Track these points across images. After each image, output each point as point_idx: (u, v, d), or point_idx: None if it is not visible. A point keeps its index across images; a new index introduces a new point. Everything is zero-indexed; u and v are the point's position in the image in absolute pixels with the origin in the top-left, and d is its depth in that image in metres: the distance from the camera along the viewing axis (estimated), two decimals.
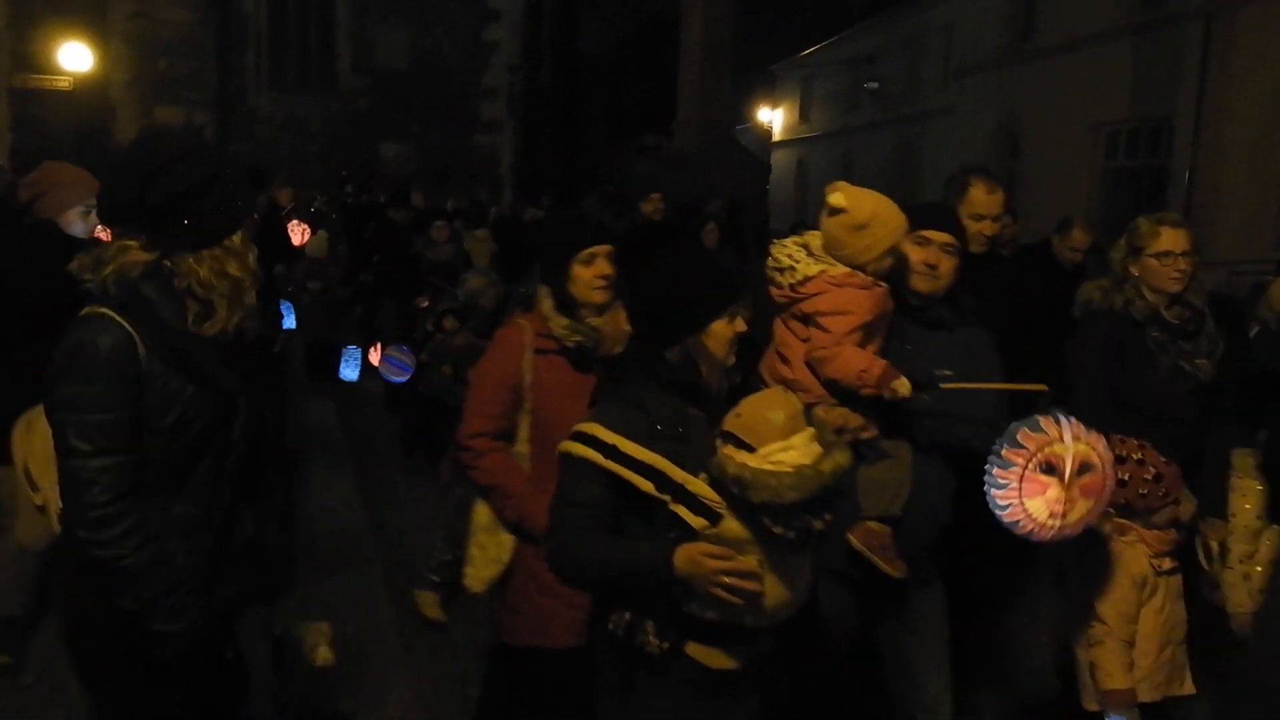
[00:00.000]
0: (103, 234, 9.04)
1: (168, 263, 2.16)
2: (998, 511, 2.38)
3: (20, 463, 2.56)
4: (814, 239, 2.84)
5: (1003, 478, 2.36)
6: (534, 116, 24.21)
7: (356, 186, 17.73)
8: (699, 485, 2.09)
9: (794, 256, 2.80)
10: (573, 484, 2.19)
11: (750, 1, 23.64)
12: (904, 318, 2.89)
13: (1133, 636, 2.83)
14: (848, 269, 2.75)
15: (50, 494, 2.41)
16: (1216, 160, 15.31)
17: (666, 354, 2.24)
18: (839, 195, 2.77)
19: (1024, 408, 2.55)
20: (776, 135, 36.42)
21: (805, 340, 2.80)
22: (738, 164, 18.40)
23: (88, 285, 2.15)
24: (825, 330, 2.74)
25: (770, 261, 2.86)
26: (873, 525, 2.77)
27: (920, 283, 2.89)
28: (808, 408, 2.40)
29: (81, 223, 3.87)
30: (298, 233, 9.81)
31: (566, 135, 25.57)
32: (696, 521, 2.06)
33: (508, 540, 2.95)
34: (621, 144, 23.05)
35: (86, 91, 21.28)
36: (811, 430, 2.09)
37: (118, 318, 2.09)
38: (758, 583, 2.03)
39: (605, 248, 2.91)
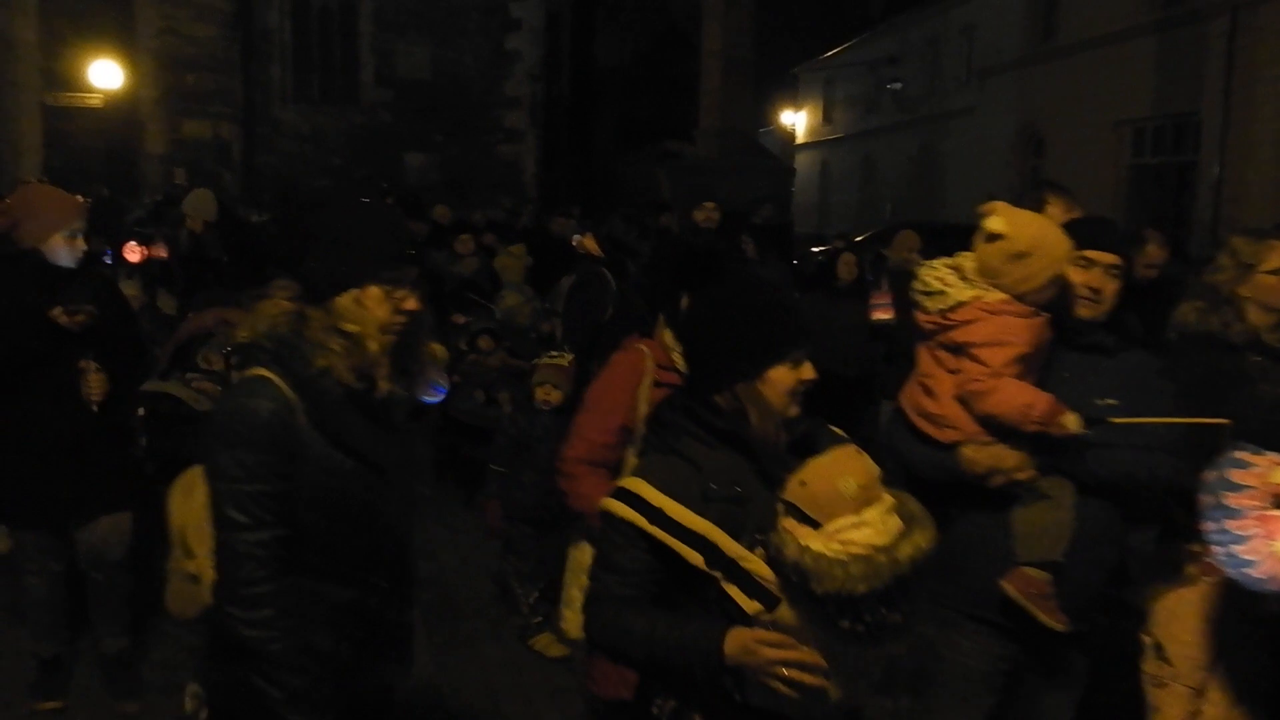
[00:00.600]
0: (131, 254, 8.96)
1: (312, 312, 1.99)
2: (1239, 569, 1.93)
3: (177, 527, 2.40)
4: (966, 261, 2.61)
5: (1240, 528, 1.94)
6: (554, 126, 24.32)
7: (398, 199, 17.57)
8: (755, 563, 1.84)
9: (944, 280, 2.58)
10: (614, 548, 1.95)
11: (770, 5, 23.66)
12: (1058, 342, 2.61)
13: (1203, 685, 2.43)
14: (1004, 295, 2.51)
15: (204, 563, 2.23)
16: (1244, 156, 15.15)
17: (716, 399, 1.98)
18: (997, 219, 2.52)
19: (1200, 444, 2.22)
20: (799, 138, 36.39)
21: (954, 372, 2.56)
22: (761, 170, 18.38)
23: (242, 339, 2.04)
24: (980, 362, 2.50)
25: (917, 285, 2.65)
26: (1030, 572, 2.51)
27: (1083, 309, 2.61)
28: (950, 447, 2.27)
29: (67, 249, 3.55)
30: None
31: (585, 144, 25.67)
32: (750, 605, 1.82)
33: None
34: (641, 152, 23.14)
35: (116, 107, 21.63)
36: (890, 500, 1.79)
37: (277, 380, 1.96)
38: (821, 676, 1.76)
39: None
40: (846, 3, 32.02)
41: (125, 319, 4.04)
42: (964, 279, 2.56)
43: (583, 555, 2.88)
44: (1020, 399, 2.46)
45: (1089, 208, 3.37)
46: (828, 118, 35.29)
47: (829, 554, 1.70)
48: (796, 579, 1.74)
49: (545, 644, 4.50)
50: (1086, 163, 19.13)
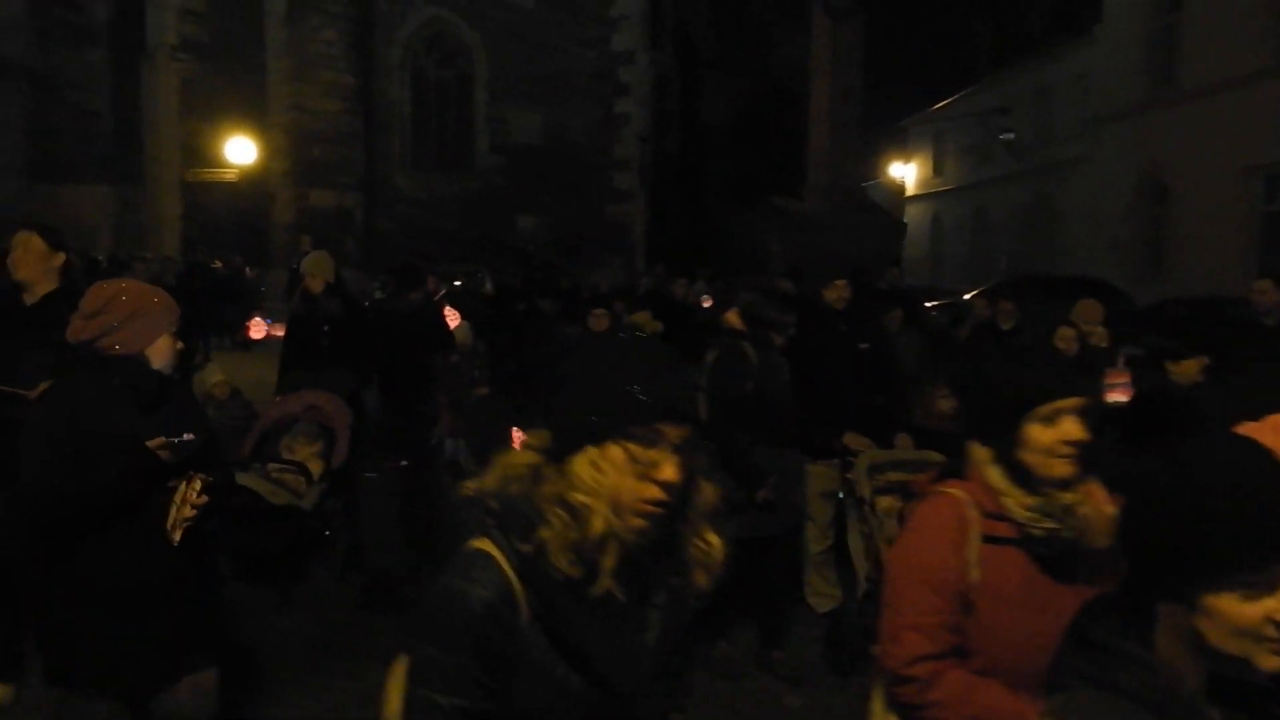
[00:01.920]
0: (256, 330, 9.05)
1: (547, 470, 1.55)
2: None
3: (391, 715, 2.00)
4: None
5: None
6: (662, 185, 24.68)
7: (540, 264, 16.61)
8: None
9: None
10: None
11: (877, 60, 23.65)
12: None
13: None
14: None
15: None
16: None
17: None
18: None
19: None
20: (909, 190, 36.06)
21: None
22: (871, 225, 18.26)
23: (470, 492, 1.60)
24: None
25: None
26: None
27: None
28: None
29: (171, 353, 3.02)
30: (453, 320, 8.82)
31: (694, 203, 25.94)
32: None
33: None
34: (749, 209, 23.26)
35: (248, 181, 22.86)
36: None
37: (499, 558, 1.52)
38: None
39: (1075, 401, 2.06)
40: (954, 55, 31.78)
41: (213, 437, 3.35)
42: None
43: None
44: None
45: (1218, 256, 3.24)
46: (938, 169, 34.89)
47: None
48: None
49: None
50: (1213, 210, 18.43)
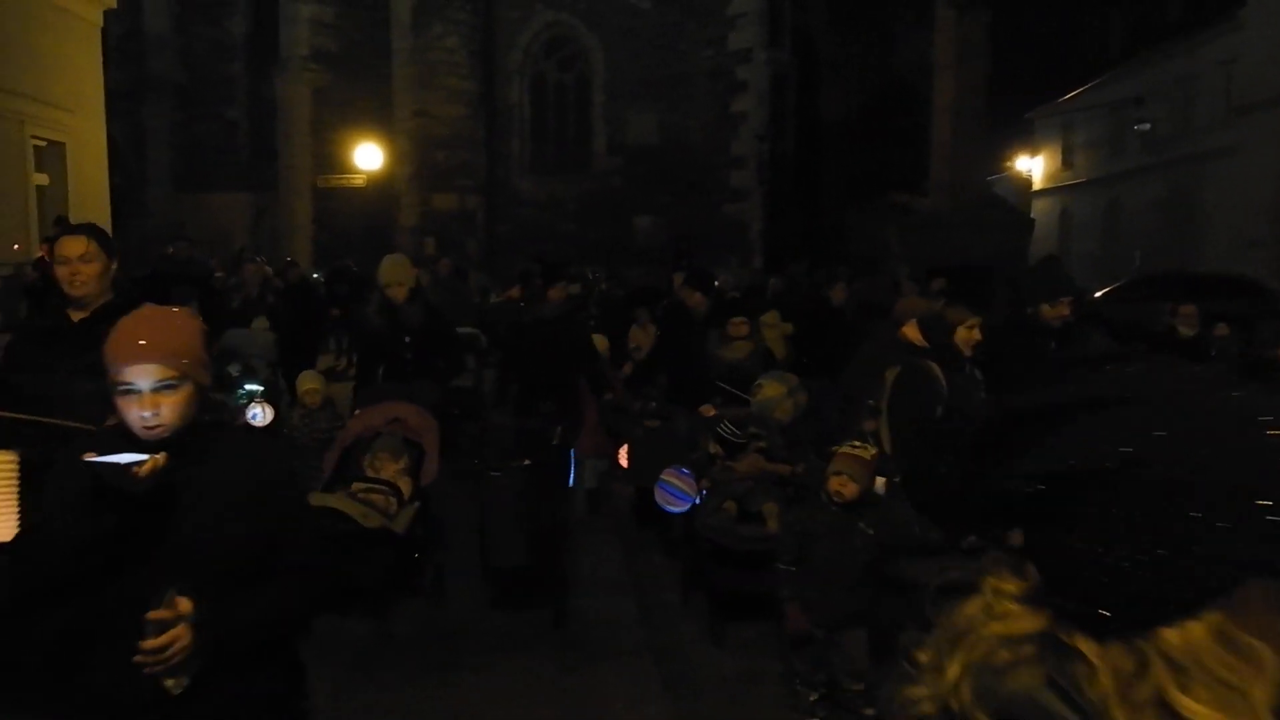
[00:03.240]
0: (309, 399, 7.23)
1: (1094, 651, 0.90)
2: None
3: None
4: None
5: None
6: (779, 183, 24.49)
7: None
8: None
9: None
10: None
11: (1003, 52, 22.96)
12: None
13: None
14: None
15: None
16: None
17: None
18: None
19: None
20: (1036, 184, 34.89)
21: None
22: (998, 223, 17.70)
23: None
24: None
25: None
26: None
27: None
28: None
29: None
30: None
31: (811, 200, 25.64)
32: None
33: None
34: (868, 206, 22.87)
35: (375, 186, 23.64)
36: None
37: None
38: None
39: None
40: (1083, 44, 30.59)
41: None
42: None
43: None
44: None
45: None
46: (1067, 162, 33.65)
47: None
48: None
49: None
50: None
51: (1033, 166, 34.85)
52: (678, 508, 5.44)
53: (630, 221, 24.07)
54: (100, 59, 15.84)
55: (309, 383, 6.78)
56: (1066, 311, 4.82)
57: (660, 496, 5.47)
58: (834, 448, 4.35)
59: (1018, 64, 29.17)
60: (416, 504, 5.15)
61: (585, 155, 24.79)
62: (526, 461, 5.34)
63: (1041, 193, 34.61)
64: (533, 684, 4.63)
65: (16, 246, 12.92)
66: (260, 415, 5.92)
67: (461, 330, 8.81)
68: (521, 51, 24.45)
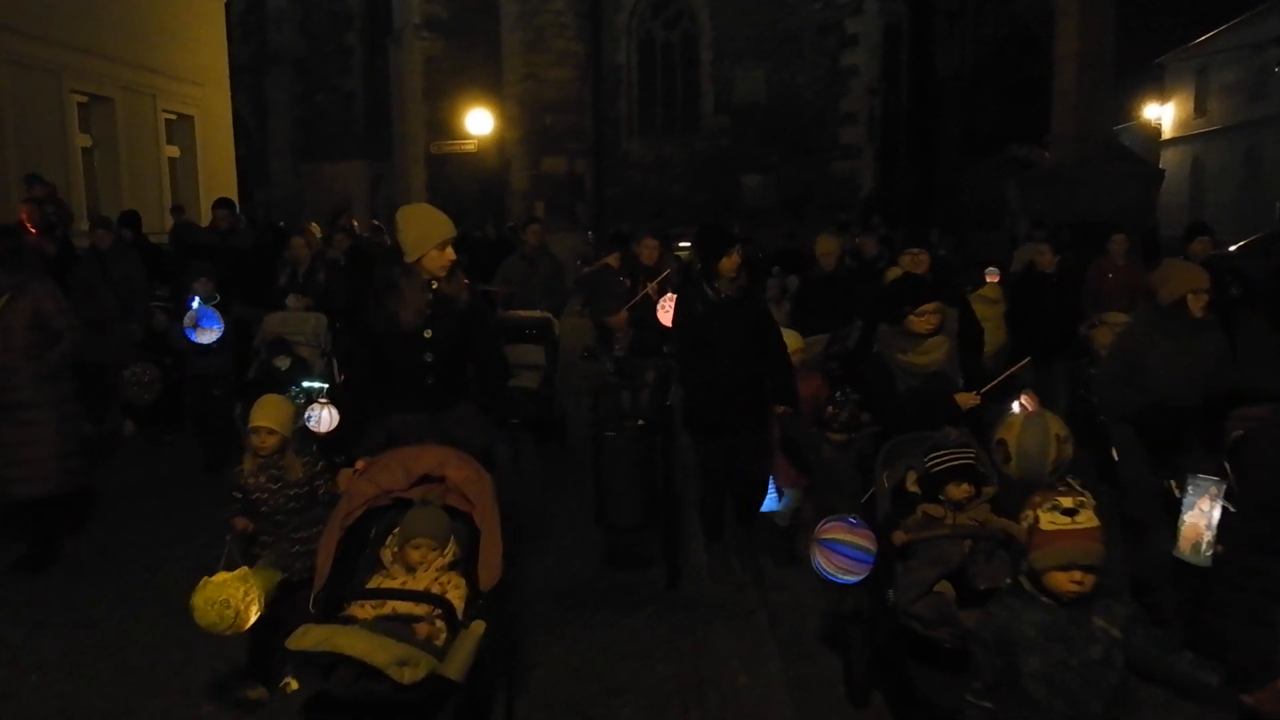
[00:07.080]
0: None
1: None
2: None
3: None
4: None
5: None
6: (892, 140, 23.86)
7: None
8: None
9: None
10: None
11: None
12: None
13: None
14: None
15: None
16: None
17: None
18: None
19: None
20: (1166, 132, 33.21)
21: None
22: (1126, 175, 16.87)
23: None
24: None
25: None
26: None
27: None
28: None
29: None
30: (666, 312, 6.70)
31: (926, 157, 24.91)
32: None
33: None
34: (987, 162, 22.09)
35: (486, 150, 23.96)
36: None
37: None
38: None
39: None
40: None
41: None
42: None
43: None
44: None
45: None
46: (1200, 109, 31.88)
47: None
48: None
49: None
50: None
51: (1162, 114, 33.15)
52: (854, 575, 3.76)
53: (739, 181, 23.82)
54: (224, 34, 16.42)
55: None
56: None
57: (826, 561, 3.76)
58: (1035, 507, 2.63)
59: (1147, 6, 27.68)
60: (481, 624, 3.16)
61: (693, 116, 24.59)
62: (640, 422, 5.36)
63: (1171, 141, 32.92)
64: (648, 641, 4.70)
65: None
66: (322, 418, 5.15)
67: (529, 316, 7.87)
68: (628, 12, 24.31)
